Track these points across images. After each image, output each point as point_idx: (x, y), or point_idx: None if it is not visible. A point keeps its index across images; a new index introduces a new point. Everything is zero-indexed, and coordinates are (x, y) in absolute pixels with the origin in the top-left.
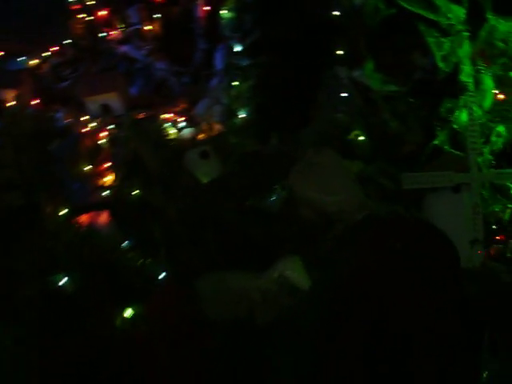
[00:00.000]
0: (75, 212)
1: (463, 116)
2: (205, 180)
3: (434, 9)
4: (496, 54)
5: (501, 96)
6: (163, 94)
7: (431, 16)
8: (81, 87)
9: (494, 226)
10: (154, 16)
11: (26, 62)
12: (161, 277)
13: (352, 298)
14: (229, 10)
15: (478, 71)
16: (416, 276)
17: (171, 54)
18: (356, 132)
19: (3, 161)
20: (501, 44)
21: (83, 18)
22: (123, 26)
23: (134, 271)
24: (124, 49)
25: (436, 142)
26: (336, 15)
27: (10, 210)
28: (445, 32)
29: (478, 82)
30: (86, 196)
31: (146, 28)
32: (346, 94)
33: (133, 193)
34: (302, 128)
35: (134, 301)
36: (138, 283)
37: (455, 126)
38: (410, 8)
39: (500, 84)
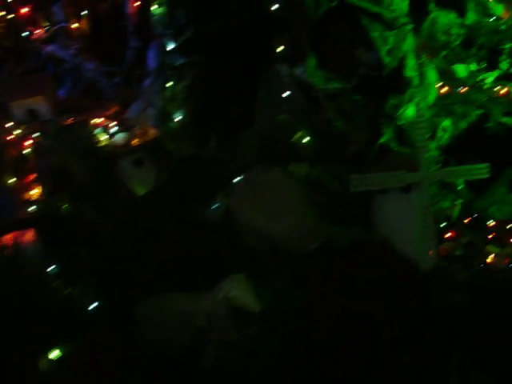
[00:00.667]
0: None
1: (409, 111)
2: (140, 190)
3: (377, 1)
4: (438, 46)
5: (444, 89)
6: (94, 97)
7: (374, 9)
8: (4, 90)
9: (442, 224)
10: (81, 13)
11: None
12: (91, 307)
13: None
14: (160, 6)
15: (421, 65)
16: (379, 307)
17: (101, 53)
18: (300, 133)
19: None
20: (442, 36)
21: (4, 15)
22: (48, 24)
23: (62, 302)
24: (50, 49)
25: (382, 140)
26: (275, 9)
27: None
28: (389, 25)
29: (421, 76)
30: (10, 212)
31: (72, 26)
32: (288, 93)
33: (61, 207)
34: (242, 129)
35: (61, 339)
36: (66, 317)
37: (401, 123)
38: (352, 1)
39: (443, 77)
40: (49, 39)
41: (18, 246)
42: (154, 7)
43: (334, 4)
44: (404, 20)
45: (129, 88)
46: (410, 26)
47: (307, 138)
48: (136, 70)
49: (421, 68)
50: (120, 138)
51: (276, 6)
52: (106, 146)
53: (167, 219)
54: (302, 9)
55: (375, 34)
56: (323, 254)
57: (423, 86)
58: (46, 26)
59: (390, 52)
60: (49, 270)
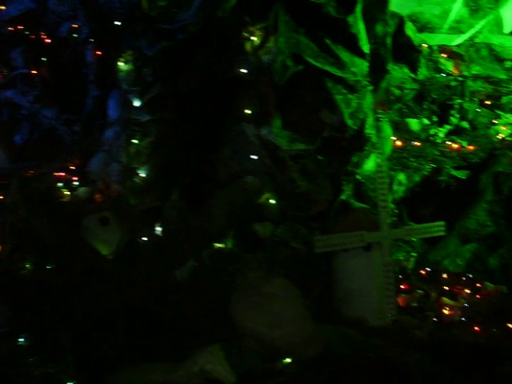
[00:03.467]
0: None
1: (368, 165)
2: (104, 249)
3: (341, 65)
4: (392, 100)
5: (398, 142)
6: (52, 144)
7: (338, 73)
8: None
9: (398, 275)
10: (41, 59)
11: None
12: None
13: None
14: (126, 63)
15: (377, 119)
16: None
17: (60, 100)
18: (267, 195)
19: None
20: (396, 90)
21: None
22: (6, 69)
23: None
24: (7, 94)
25: (343, 196)
26: (243, 72)
27: None
28: (352, 88)
29: (378, 131)
30: None
31: (32, 72)
32: (254, 156)
33: (24, 268)
34: (205, 185)
35: None
36: None
37: (360, 178)
38: (317, 65)
39: (397, 130)
40: (6, 85)
41: None
42: (120, 63)
43: (299, 68)
44: (365, 82)
45: (89, 138)
46: (370, 87)
47: (273, 201)
48: (96, 119)
49: (377, 123)
50: (82, 192)
51: (244, 70)
52: (69, 202)
53: (138, 284)
54: (269, 72)
55: (339, 97)
56: (325, 365)
57: (380, 139)
58: (3, 72)
59: (352, 114)
60: (19, 341)
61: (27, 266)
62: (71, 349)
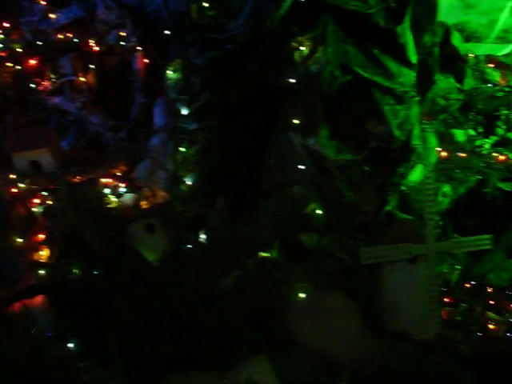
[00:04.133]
0: (9, 298)
1: (413, 176)
2: (150, 256)
3: (388, 75)
4: (437, 110)
5: (444, 153)
6: (97, 150)
7: (386, 83)
8: (8, 142)
9: (443, 288)
10: (89, 66)
11: None
12: None
13: None
14: (174, 71)
15: (422, 130)
16: None
17: (106, 107)
18: (313, 205)
19: None
20: (442, 101)
21: (11, 66)
22: (55, 76)
23: None
24: (55, 100)
25: (388, 207)
26: (291, 82)
27: None
28: (399, 99)
29: (423, 141)
30: (17, 274)
31: (79, 79)
32: (301, 166)
33: (71, 273)
34: (250, 194)
35: None
36: None
37: (404, 188)
38: (365, 75)
39: (442, 141)
40: (55, 91)
41: (30, 318)
42: (168, 72)
43: (348, 78)
44: (412, 93)
45: (135, 145)
46: (417, 98)
47: (320, 211)
48: (141, 125)
49: (422, 133)
50: (128, 198)
51: (293, 80)
52: (115, 208)
53: (185, 292)
54: (317, 82)
55: (386, 107)
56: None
57: (425, 150)
58: (52, 78)
59: (399, 125)
60: (69, 346)
61: (74, 271)
62: (119, 355)
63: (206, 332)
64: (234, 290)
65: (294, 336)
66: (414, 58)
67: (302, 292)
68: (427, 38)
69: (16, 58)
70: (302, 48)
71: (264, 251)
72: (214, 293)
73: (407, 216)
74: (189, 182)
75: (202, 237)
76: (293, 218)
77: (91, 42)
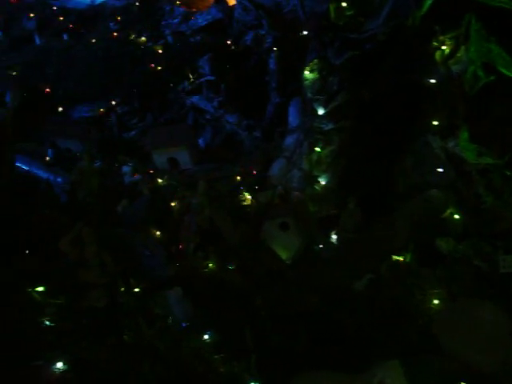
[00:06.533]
0: (149, 289)
1: None
2: (283, 254)
3: None
4: None
5: None
6: (233, 148)
7: None
8: (148, 139)
9: None
10: (227, 67)
11: (92, 110)
12: None
13: None
14: (312, 71)
15: None
16: None
17: (242, 106)
18: (451, 210)
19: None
20: None
21: (153, 66)
22: (193, 76)
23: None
24: (193, 100)
25: None
26: (431, 82)
27: (94, 311)
28: None
29: None
30: (157, 267)
31: (217, 79)
32: (440, 169)
33: (207, 266)
34: (383, 195)
35: None
36: None
37: None
38: (510, 75)
39: None
40: (193, 91)
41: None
42: (306, 72)
43: (491, 78)
44: None
45: (270, 144)
46: None
47: (457, 216)
48: (276, 125)
49: None
50: (263, 196)
51: (433, 80)
52: (250, 205)
53: (319, 291)
54: (459, 82)
55: None
56: None
57: None
58: (191, 78)
59: None
60: (205, 337)
61: (210, 264)
62: (255, 350)
63: (337, 332)
64: (366, 292)
65: (441, 342)
66: None
67: (438, 298)
68: None
69: (157, 59)
70: (443, 47)
71: (398, 255)
72: (346, 294)
73: None
74: (323, 182)
75: (333, 237)
76: (429, 222)
77: (229, 43)
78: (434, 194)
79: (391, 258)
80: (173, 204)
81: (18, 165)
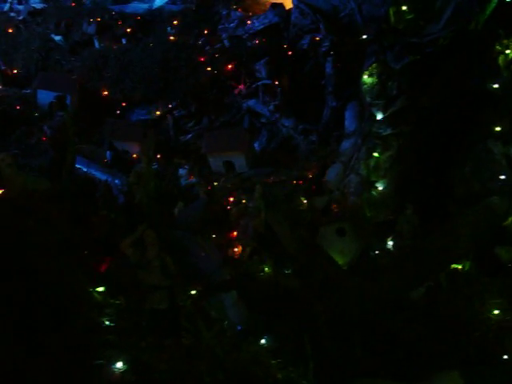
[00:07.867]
0: (205, 292)
1: None
2: (340, 259)
3: None
4: None
5: None
6: (288, 152)
7: None
8: (205, 142)
9: None
10: (283, 71)
11: (149, 112)
12: None
13: None
14: (370, 76)
15: None
16: None
17: (298, 110)
18: None
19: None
20: None
21: (209, 70)
22: (250, 80)
23: None
24: (249, 103)
25: None
26: (494, 87)
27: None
28: None
29: None
30: (213, 270)
31: (273, 83)
32: (502, 176)
33: (263, 270)
34: (440, 202)
35: None
36: None
37: None
38: None
39: None
40: (249, 94)
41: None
42: (364, 76)
43: None
44: None
45: (326, 148)
46: None
47: None
48: (332, 129)
49: None
50: (319, 201)
51: (496, 85)
52: (306, 210)
53: (377, 299)
54: None
55: None
56: None
57: None
58: (247, 82)
59: None
60: (261, 342)
61: (266, 269)
62: (312, 356)
63: (394, 341)
64: (424, 300)
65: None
66: None
67: (498, 308)
68: None
69: (214, 63)
70: (507, 51)
71: (457, 263)
72: (404, 302)
73: None
74: (380, 188)
75: (390, 243)
76: (490, 230)
77: (285, 47)
78: (495, 202)
79: (450, 266)
80: (229, 207)
81: (78, 166)
